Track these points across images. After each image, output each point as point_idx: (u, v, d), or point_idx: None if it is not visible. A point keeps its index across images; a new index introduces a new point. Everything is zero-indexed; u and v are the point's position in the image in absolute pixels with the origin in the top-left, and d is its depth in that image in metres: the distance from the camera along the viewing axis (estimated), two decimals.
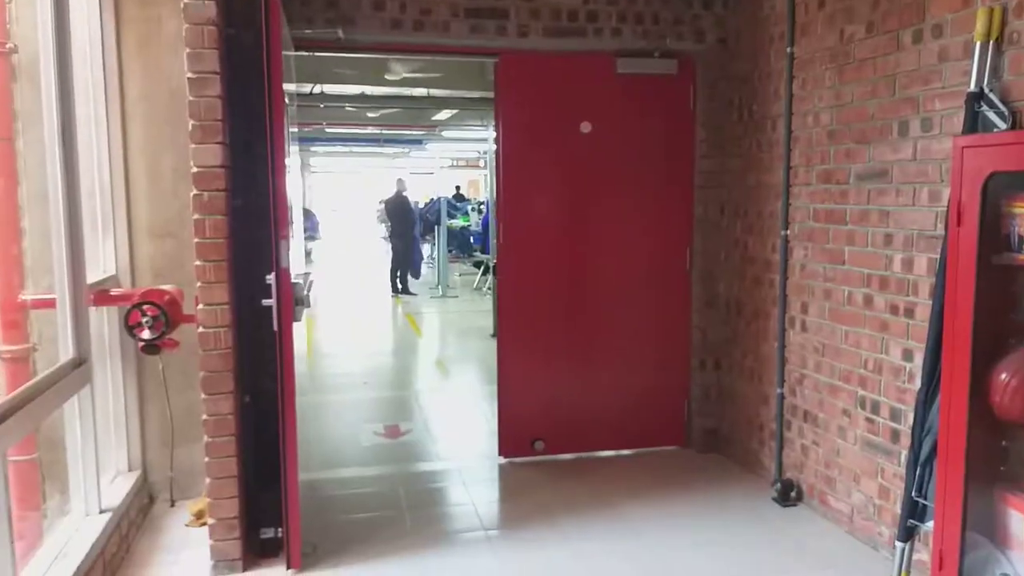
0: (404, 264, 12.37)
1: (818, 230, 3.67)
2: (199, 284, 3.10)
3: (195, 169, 3.06)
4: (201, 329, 3.11)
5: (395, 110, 11.83)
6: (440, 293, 12.00)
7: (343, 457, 4.71)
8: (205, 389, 3.13)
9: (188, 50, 3.00)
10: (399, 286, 12.29)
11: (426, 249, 18.16)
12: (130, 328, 3.43)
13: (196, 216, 3.07)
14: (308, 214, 19.19)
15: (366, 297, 12.79)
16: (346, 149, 23.15)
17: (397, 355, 8.09)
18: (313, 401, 6.03)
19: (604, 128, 4.47)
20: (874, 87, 3.28)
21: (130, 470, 3.85)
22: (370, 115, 12.56)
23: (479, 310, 10.45)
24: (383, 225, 26.75)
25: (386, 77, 9.84)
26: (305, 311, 3.20)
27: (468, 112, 10.49)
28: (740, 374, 4.42)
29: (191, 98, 3.03)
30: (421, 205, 17.97)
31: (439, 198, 12.87)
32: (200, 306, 3.10)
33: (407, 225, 12.37)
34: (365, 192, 34.36)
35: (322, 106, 10.66)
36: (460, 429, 5.28)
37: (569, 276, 4.55)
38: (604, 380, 4.59)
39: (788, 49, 3.81)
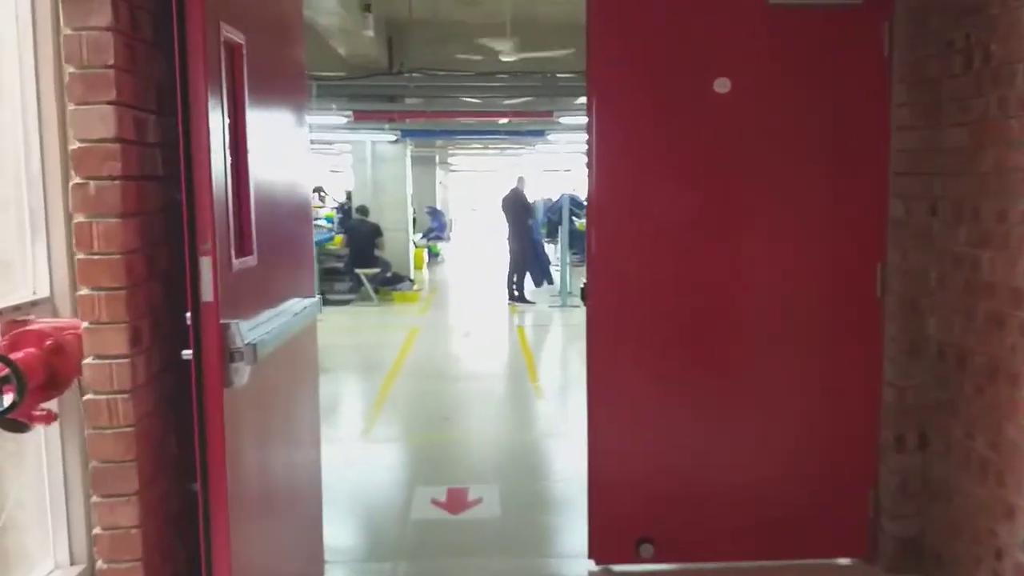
0: (521, 269, 11.18)
1: None
2: (85, 324, 1.99)
3: (75, 144, 1.95)
4: (88, 396, 2.00)
5: (522, 99, 10.77)
6: (560, 302, 10.71)
7: (375, 542, 3.54)
8: (96, 488, 2.03)
9: None
10: (515, 293, 11.12)
11: (551, 250, 16.97)
12: None
13: (78, 218, 1.96)
14: (436, 213, 18.49)
15: (482, 305, 11.72)
16: (479, 146, 22.45)
17: (495, 381, 6.88)
18: (373, 436, 4.95)
19: (749, 87, 3.04)
20: None
21: (72, 564, 2.84)
22: (470, 100, 11.55)
23: None
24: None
25: (501, 59, 8.71)
26: (247, 371, 2.02)
27: None
28: (963, 462, 2.85)
29: (66, 31, 1.92)
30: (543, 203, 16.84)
31: (563, 196, 11.57)
32: (87, 359, 1.99)
33: (523, 226, 11.16)
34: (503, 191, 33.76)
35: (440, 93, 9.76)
36: (549, 506, 3.98)
37: (692, 304, 3.15)
38: (744, 456, 3.15)
39: None
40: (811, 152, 3.10)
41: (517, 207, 11.19)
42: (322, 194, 8.98)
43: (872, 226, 3.10)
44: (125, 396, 1.98)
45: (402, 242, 12.19)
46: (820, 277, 3.14)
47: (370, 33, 9.01)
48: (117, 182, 1.95)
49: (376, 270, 11.09)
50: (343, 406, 6.06)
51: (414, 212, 16.93)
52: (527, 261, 11.29)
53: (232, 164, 2.21)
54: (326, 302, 11.39)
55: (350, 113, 9.09)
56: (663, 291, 3.16)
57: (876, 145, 3.07)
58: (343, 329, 9.39)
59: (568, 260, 11.02)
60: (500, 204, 11.39)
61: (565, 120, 9.68)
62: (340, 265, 11.58)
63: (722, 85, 3.02)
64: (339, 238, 11.71)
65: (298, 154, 2.89)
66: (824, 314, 3.14)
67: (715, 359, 3.18)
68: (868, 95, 3.07)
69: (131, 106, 1.99)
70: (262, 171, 2.39)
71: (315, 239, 11.51)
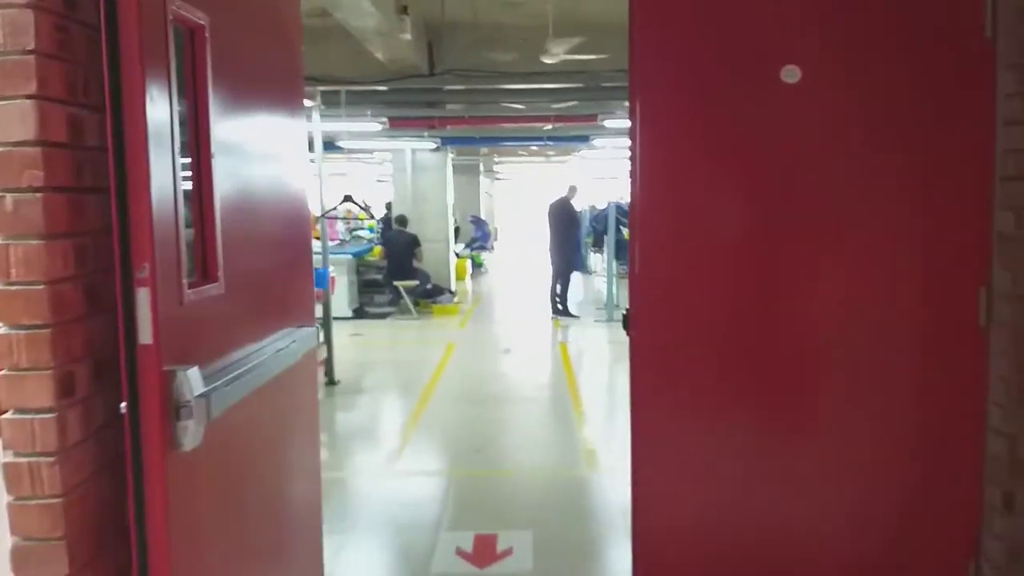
0: (564, 281, 10.72)
1: None
2: (2, 371, 1.62)
3: None
4: (7, 458, 1.63)
5: (568, 103, 10.34)
6: (606, 316, 10.22)
7: None
8: (17, 571, 1.66)
9: None
10: (559, 306, 10.66)
11: (597, 262, 16.47)
12: None
13: None
14: (480, 223, 18.14)
15: (524, 318, 11.30)
16: (523, 153, 22.08)
17: (533, 405, 6.43)
18: (397, 468, 4.55)
19: (822, 76, 2.57)
20: None
21: None
22: (517, 106, 11.14)
23: None
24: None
25: (544, 60, 8.30)
26: (197, 433, 1.63)
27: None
28: None
29: None
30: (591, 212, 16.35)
31: (609, 204, 11.09)
32: (6, 414, 1.62)
33: (568, 236, 10.69)
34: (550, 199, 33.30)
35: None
36: (587, 557, 3.52)
37: (755, 336, 2.68)
38: (814, 514, 2.66)
39: None
40: (896, 153, 2.60)
41: (564, 216, 10.73)
42: (362, 204, 8.62)
43: (972, 242, 2.58)
44: (50, 459, 1.61)
45: (442, 253, 11.84)
46: (908, 303, 2.63)
47: (407, 36, 8.68)
48: (39, 195, 1.58)
49: (415, 282, 10.75)
50: (370, 433, 5.69)
51: (456, 222, 16.63)
52: (571, 274, 10.83)
53: (194, 172, 1.84)
54: (365, 315, 11.15)
55: (385, 120, 8.77)
56: (720, 319, 2.70)
57: (977, 144, 2.56)
58: (380, 344, 9.07)
59: (615, 271, 10.53)
60: (546, 212, 10.94)
61: (610, 124, 9.20)
62: (379, 277, 11.29)
63: (790, 74, 2.55)
64: (378, 249, 11.42)
65: (291, 161, 2.51)
66: (913, 347, 2.63)
67: (781, 399, 2.70)
68: (966, 84, 2.57)
69: (61, 101, 1.62)
70: (235, 180, 2.01)
71: (353, 251, 11.27)
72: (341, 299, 10.45)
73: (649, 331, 2.73)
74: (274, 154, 2.38)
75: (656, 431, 2.76)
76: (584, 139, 12.31)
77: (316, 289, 6.66)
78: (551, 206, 10.92)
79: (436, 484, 4.45)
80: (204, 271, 1.86)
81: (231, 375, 1.84)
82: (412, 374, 7.53)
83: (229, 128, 2.00)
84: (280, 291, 2.35)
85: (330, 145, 12.47)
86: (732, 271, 2.68)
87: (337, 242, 11.85)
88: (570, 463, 4.86)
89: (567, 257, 10.76)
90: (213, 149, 1.87)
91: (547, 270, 11.03)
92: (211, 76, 1.86)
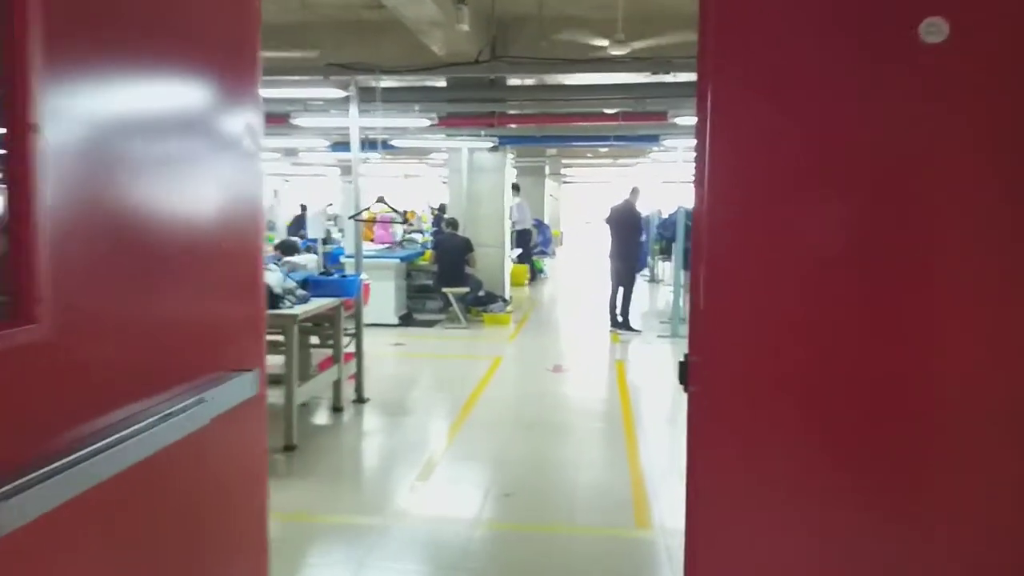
0: (626, 291, 9.91)
1: None
2: None
3: None
4: None
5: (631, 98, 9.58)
6: (670, 332, 9.36)
7: None
8: None
9: None
10: (618, 319, 9.87)
11: (664, 270, 15.56)
12: None
13: None
14: (541, 227, 17.43)
15: (580, 330, 10.54)
16: (589, 154, 21.29)
17: (579, 438, 5.66)
18: (409, 517, 3.87)
19: (981, 31, 1.77)
20: None
21: None
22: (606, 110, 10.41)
23: None
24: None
25: (612, 52, 7.55)
26: None
27: None
28: None
29: None
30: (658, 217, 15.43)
31: (679, 209, 10.23)
32: None
33: (631, 243, 9.87)
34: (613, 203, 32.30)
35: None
36: None
37: (860, 393, 1.90)
38: None
39: None
40: None
41: (627, 221, 9.91)
42: (393, 207, 7.93)
43: None
44: None
45: (497, 259, 11.18)
46: None
47: (465, 27, 8.05)
48: None
49: (465, 289, 10.11)
50: (387, 466, 5.03)
51: (514, 226, 15.96)
52: (632, 283, 10.02)
53: (7, 153, 1.18)
54: (412, 322, 10.57)
55: (433, 116, 8.15)
56: (813, 373, 1.93)
57: None
58: (422, 355, 8.45)
59: (682, 282, 9.66)
60: (607, 216, 10.15)
61: (682, 121, 8.37)
62: (430, 282, 10.72)
63: (933, 30, 1.75)
64: (429, 253, 10.84)
65: (228, 152, 1.85)
66: None
67: (889, 479, 1.91)
68: None
69: None
70: (97, 170, 1.35)
71: (403, 255, 10.71)
72: (387, 305, 9.90)
73: (715, 387, 1.98)
74: (192, 141, 1.72)
75: (720, 522, 2.01)
76: (654, 139, 11.47)
77: (344, 298, 6.10)
78: (612, 210, 10.13)
79: (448, 543, 3.75)
80: (15, 306, 1.20)
81: (53, 466, 1.18)
82: (450, 393, 6.87)
83: (86, 92, 1.35)
84: (189, 332, 1.68)
85: (384, 144, 12.00)
86: (831, 311, 1.91)
87: (386, 245, 11.31)
88: (617, 519, 4.10)
89: (629, 265, 9.95)
90: (38, 119, 1.21)
91: (608, 279, 10.22)
92: (44, 36, 1.20)
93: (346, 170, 24.27)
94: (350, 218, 6.10)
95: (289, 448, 5.08)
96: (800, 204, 1.91)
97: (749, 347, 1.95)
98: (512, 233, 15.61)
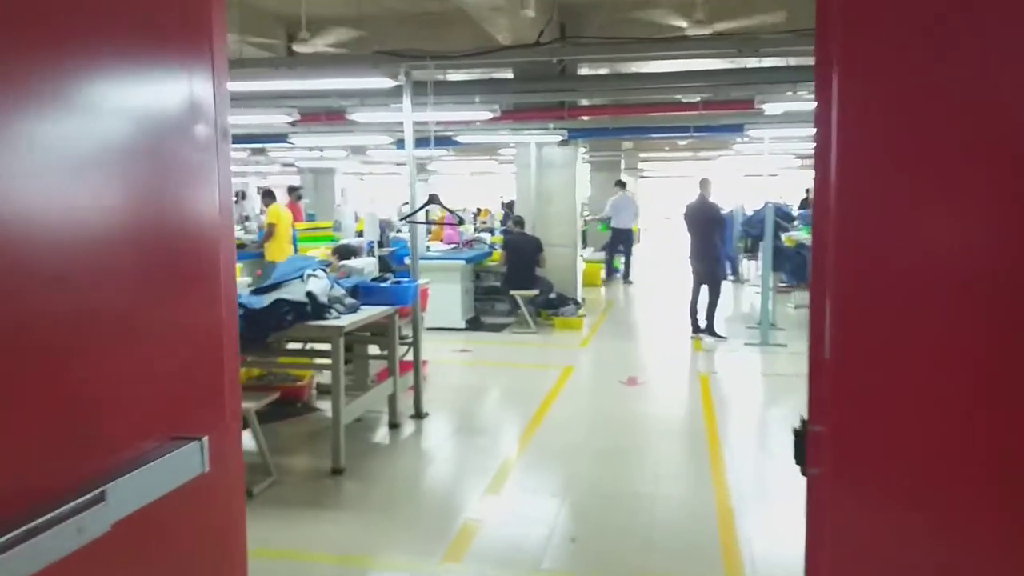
0: (712, 294, 9.18)
1: None
2: None
3: None
4: None
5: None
6: (759, 339, 8.58)
7: None
8: None
9: None
10: (701, 324, 9.15)
11: (751, 269, 14.63)
12: None
13: None
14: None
15: (659, 336, 9.85)
16: (666, 147, 20.43)
17: (657, 468, 5.02)
18: (453, 562, 3.36)
19: None
20: None
21: None
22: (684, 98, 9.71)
23: None
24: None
25: (688, 33, 6.87)
26: None
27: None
28: None
29: None
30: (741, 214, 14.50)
31: (766, 205, 9.40)
32: None
33: (711, 241, 9.11)
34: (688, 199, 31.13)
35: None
36: None
37: None
38: None
39: None
40: None
41: (704, 218, 9.18)
42: (447, 206, 7.33)
43: None
44: None
45: (568, 259, 10.58)
46: None
47: (530, 13, 7.51)
48: None
49: (534, 292, 9.56)
50: (443, 498, 4.51)
51: (585, 224, 15.29)
52: (718, 286, 9.28)
53: None
54: (480, 326, 10.09)
55: (496, 108, 7.62)
56: (999, 445, 1.30)
57: None
58: (487, 363, 7.95)
59: (770, 284, 8.86)
60: (684, 214, 9.43)
61: (771, 109, 7.60)
62: (499, 284, 10.23)
63: None
64: (497, 254, 10.34)
65: (159, 143, 1.35)
66: None
67: None
68: None
69: None
70: None
71: (468, 256, 10.23)
72: (453, 309, 9.45)
73: (848, 470, 1.37)
74: (112, 137, 1.22)
75: None
76: (737, 129, 10.66)
77: (400, 306, 5.65)
78: (688, 207, 9.41)
79: None
80: None
81: None
82: (513, 409, 6.35)
83: None
84: (74, 394, 1.18)
85: (449, 140, 11.57)
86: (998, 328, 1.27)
87: (453, 246, 10.87)
88: (702, 569, 3.48)
89: (711, 266, 9.21)
90: None
91: (688, 280, 9.50)
92: None
93: (420, 167, 24.12)
94: (402, 220, 5.64)
95: (337, 472, 4.65)
96: (972, 214, 1.28)
97: (901, 414, 1.34)
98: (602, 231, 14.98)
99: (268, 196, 11.07)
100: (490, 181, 29.52)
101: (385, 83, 5.09)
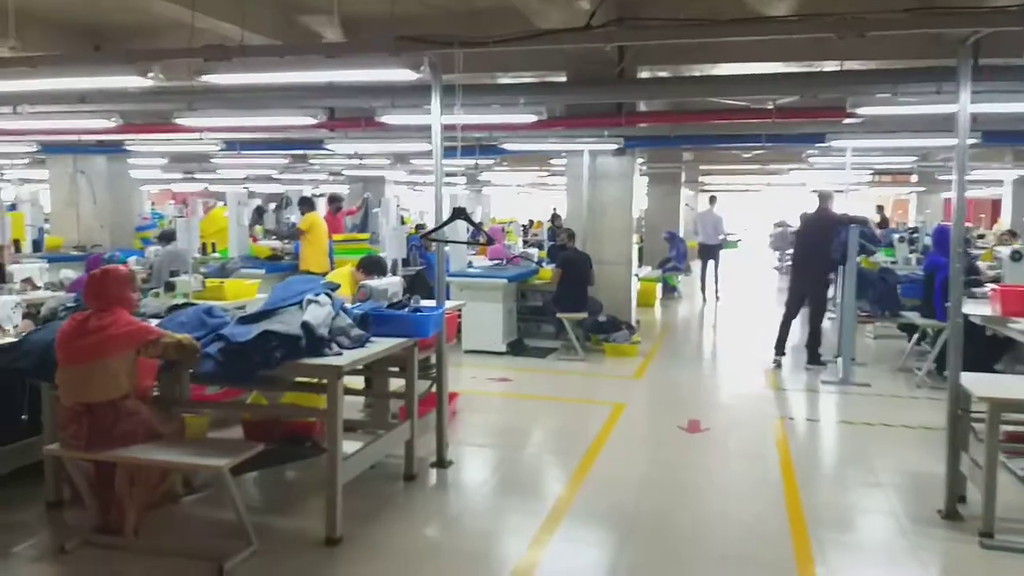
0: (814, 320, 8.14)
1: None
2: None
3: None
4: None
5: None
6: (839, 375, 7.48)
7: None
8: None
9: None
10: (785, 347, 8.18)
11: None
12: None
13: None
14: (675, 240, 15.63)
15: (724, 367, 8.83)
16: (731, 160, 19.28)
17: (723, 564, 4.08)
18: None
19: None
20: None
21: None
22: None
23: (921, 426, 5.91)
24: (776, 254, 21.96)
25: (767, 13, 5.92)
26: None
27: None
28: None
29: None
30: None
31: (851, 226, 8.29)
32: None
33: (824, 259, 8.03)
34: (767, 212, 29.77)
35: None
36: None
37: None
38: None
39: None
40: None
41: (818, 233, 8.12)
42: (475, 222, 6.33)
43: None
44: None
45: (621, 278, 9.63)
46: None
47: (584, 4, 6.66)
48: None
49: (583, 315, 8.64)
50: None
51: (640, 240, 14.31)
52: (825, 308, 8.32)
53: None
54: (523, 350, 9.21)
55: (541, 110, 6.75)
56: None
57: None
58: (528, 396, 7.06)
59: (852, 313, 7.76)
60: (799, 228, 8.56)
61: (867, 111, 6.55)
62: (543, 304, 9.37)
63: None
64: (546, 271, 9.46)
65: None
66: None
67: None
68: None
69: None
70: None
71: (511, 274, 9.35)
72: (494, 331, 8.61)
73: None
74: None
75: None
76: (817, 139, 9.58)
77: (418, 338, 4.81)
78: (803, 217, 8.49)
79: None
80: None
81: None
82: (553, 458, 5.44)
83: None
84: None
85: (495, 148, 10.77)
86: None
87: (496, 262, 10.02)
88: None
89: (819, 286, 8.20)
90: None
91: (780, 300, 8.51)
92: None
93: (471, 178, 23.35)
94: (422, 237, 4.83)
95: (332, 542, 3.82)
96: None
97: None
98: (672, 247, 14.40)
99: (305, 204, 10.52)
100: (545, 195, 28.65)
101: (406, 75, 4.28)
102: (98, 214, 12.52)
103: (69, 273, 7.40)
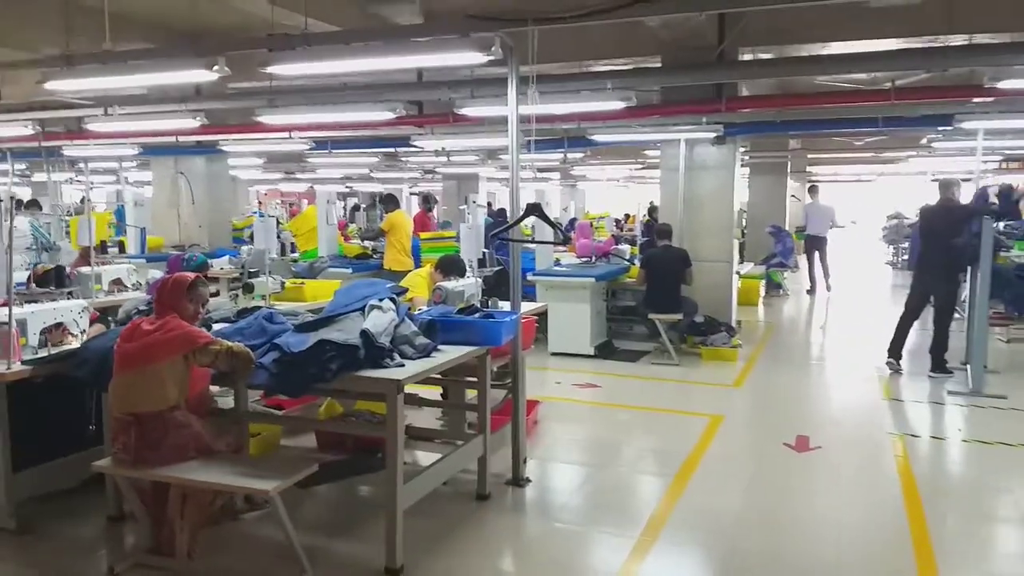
0: (944, 318, 7.31)
1: None
2: None
3: None
4: None
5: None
6: (969, 386, 6.65)
7: None
8: None
9: None
10: (901, 350, 7.40)
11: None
12: None
13: None
14: (780, 234, 14.70)
15: (835, 374, 8.07)
16: (839, 147, 18.06)
17: None
18: None
19: None
20: None
21: None
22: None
23: None
24: (890, 248, 20.47)
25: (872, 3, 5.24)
26: None
27: None
28: None
29: None
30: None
31: (985, 220, 7.39)
32: None
33: (952, 256, 7.21)
34: (879, 203, 27.90)
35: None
36: None
37: None
38: None
39: None
40: None
41: (943, 225, 7.28)
42: (554, 220, 5.70)
43: None
44: None
45: (721, 276, 8.98)
46: None
47: None
48: None
49: (678, 316, 8.08)
50: None
51: (742, 235, 13.47)
52: (953, 311, 7.49)
53: None
54: (612, 353, 8.68)
55: (631, 96, 6.23)
56: None
57: None
58: (617, 405, 6.58)
59: (985, 315, 6.89)
60: (919, 221, 7.79)
61: (1007, 86, 5.73)
62: (635, 304, 8.84)
63: None
64: (635, 269, 8.94)
65: None
66: None
67: None
68: None
69: None
70: None
71: (599, 272, 8.85)
72: (581, 333, 8.16)
73: None
74: None
75: None
76: (943, 121, 8.64)
77: (489, 346, 4.42)
78: (925, 211, 7.69)
79: None
80: None
81: None
82: (642, 478, 4.95)
83: None
84: None
85: (584, 140, 10.30)
86: None
87: (585, 260, 9.55)
88: None
89: (947, 285, 7.34)
90: None
91: (895, 298, 7.74)
92: None
93: (564, 173, 22.88)
94: (493, 235, 4.46)
95: (392, 573, 3.50)
96: None
97: None
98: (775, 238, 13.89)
99: (388, 201, 10.40)
100: (641, 189, 27.84)
101: (476, 59, 3.90)
102: (197, 214, 12.79)
103: (157, 274, 7.42)
